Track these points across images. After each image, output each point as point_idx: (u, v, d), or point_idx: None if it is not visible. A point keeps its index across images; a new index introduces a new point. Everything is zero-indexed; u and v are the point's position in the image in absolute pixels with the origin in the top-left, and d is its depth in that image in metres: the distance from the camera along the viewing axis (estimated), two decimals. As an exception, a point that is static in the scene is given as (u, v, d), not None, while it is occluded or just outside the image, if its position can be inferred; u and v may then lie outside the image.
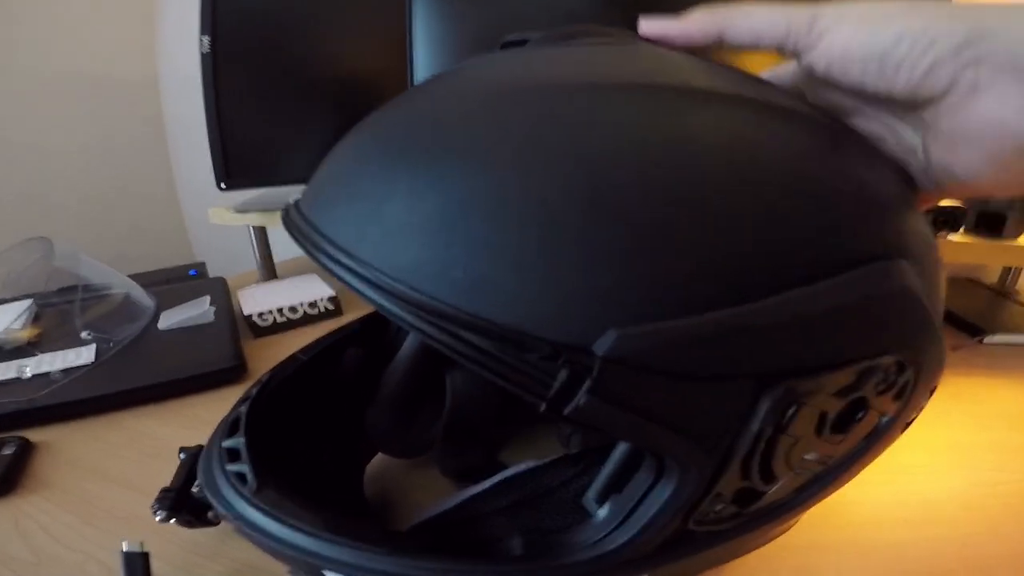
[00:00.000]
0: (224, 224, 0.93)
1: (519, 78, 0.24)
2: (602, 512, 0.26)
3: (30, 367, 0.56)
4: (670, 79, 0.24)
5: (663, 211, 0.20)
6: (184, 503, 0.33)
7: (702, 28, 0.28)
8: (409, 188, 0.22)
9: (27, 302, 0.69)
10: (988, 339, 0.65)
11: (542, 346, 0.19)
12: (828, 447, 0.25)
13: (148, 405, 0.55)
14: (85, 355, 0.58)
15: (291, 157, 0.87)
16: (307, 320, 0.73)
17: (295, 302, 0.72)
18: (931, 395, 0.29)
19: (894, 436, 0.29)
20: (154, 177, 1.79)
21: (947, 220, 0.65)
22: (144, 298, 0.70)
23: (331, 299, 0.75)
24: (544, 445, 0.32)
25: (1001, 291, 0.81)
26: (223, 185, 0.83)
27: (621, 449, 0.25)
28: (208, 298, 0.71)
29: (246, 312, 0.70)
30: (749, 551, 0.31)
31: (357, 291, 0.21)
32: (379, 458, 0.44)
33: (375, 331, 0.43)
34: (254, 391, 0.35)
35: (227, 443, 0.31)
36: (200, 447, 0.33)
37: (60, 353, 0.59)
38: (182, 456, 0.36)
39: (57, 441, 0.49)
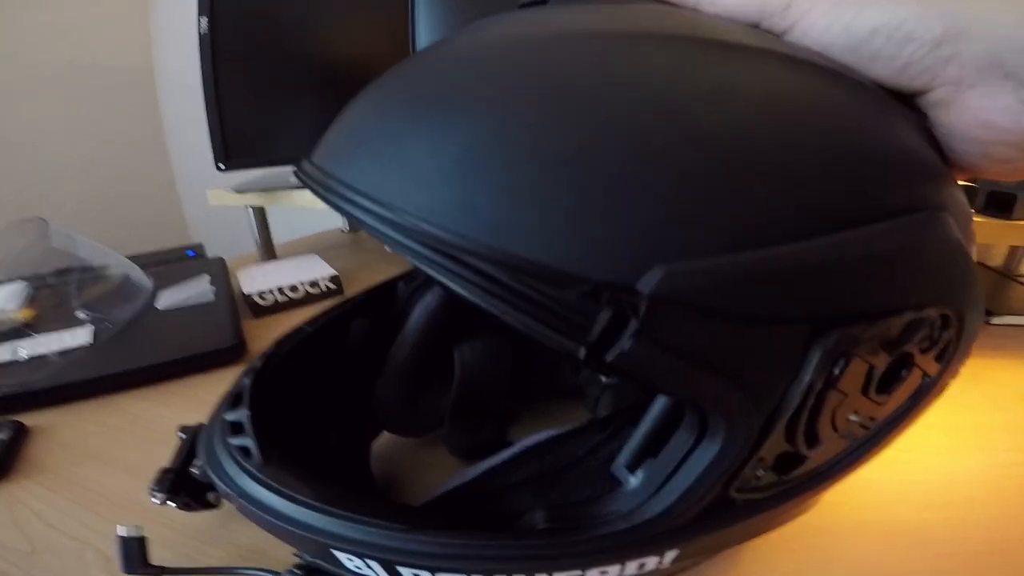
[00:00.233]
0: (223, 206, 0.92)
1: (548, 28, 0.23)
2: (634, 480, 0.24)
3: (25, 349, 0.55)
4: (698, 31, 0.23)
5: (707, 149, 0.19)
6: (183, 484, 0.32)
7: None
8: (433, 131, 0.21)
9: (22, 283, 0.67)
10: (995, 320, 0.66)
11: (582, 284, 0.18)
12: (872, 407, 0.24)
13: (147, 387, 0.53)
14: (82, 336, 0.57)
15: (290, 137, 0.87)
16: (308, 300, 0.72)
17: (295, 281, 0.71)
18: (965, 361, 0.28)
19: (930, 402, 0.28)
20: (152, 162, 1.79)
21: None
22: (142, 278, 0.69)
23: (332, 278, 0.73)
24: (559, 421, 0.30)
25: (1006, 273, 0.83)
26: (222, 166, 0.83)
27: (659, 406, 0.23)
28: (208, 277, 0.69)
29: (246, 291, 0.69)
30: (778, 526, 0.30)
31: (377, 232, 0.20)
32: (386, 437, 0.42)
33: (382, 304, 0.41)
34: (259, 363, 0.33)
35: (230, 416, 0.29)
36: (201, 425, 0.32)
37: (56, 335, 0.57)
38: (181, 436, 0.35)
39: (53, 425, 0.48)
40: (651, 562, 0.25)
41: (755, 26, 0.25)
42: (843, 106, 0.22)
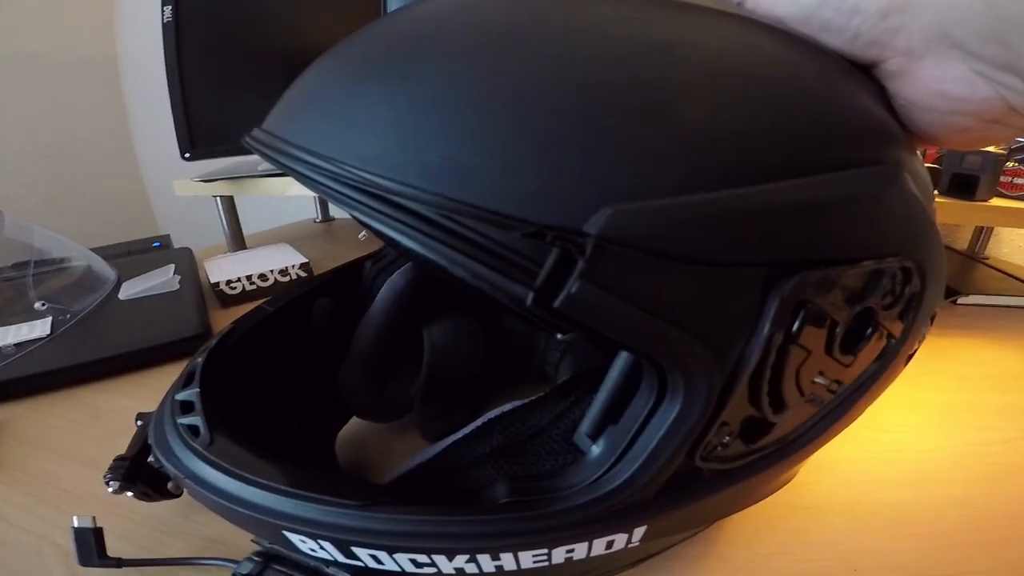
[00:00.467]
0: (189, 196, 0.90)
1: None
2: (596, 448, 0.23)
3: (-21, 342, 0.52)
4: None
5: (653, 92, 0.19)
6: (140, 473, 0.30)
7: None
8: (380, 86, 0.20)
9: (-26, 276, 0.65)
10: (962, 300, 0.69)
11: (526, 226, 0.17)
12: (838, 368, 0.24)
13: (110, 379, 0.52)
14: (39, 328, 0.55)
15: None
16: (278, 288, 0.70)
17: (265, 269, 0.69)
18: (931, 323, 0.28)
19: (898, 368, 0.28)
20: (117, 154, 1.75)
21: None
22: (105, 269, 0.67)
23: (303, 266, 0.72)
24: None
25: (972, 256, 0.87)
26: (187, 155, 0.81)
27: (618, 368, 0.23)
28: (172, 267, 0.68)
29: (213, 280, 0.67)
30: (753, 501, 0.30)
31: (319, 186, 0.20)
32: (354, 423, 0.41)
33: (347, 284, 0.40)
34: (213, 342, 0.32)
35: (180, 395, 0.28)
36: (160, 412, 0.31)
37: (12, 327, 0.56)
38: (139, 424, 0.33)
39: (11, 420, 0.46)
40: (620, 539, 0.24)
41: None
42: (798, 64, 0.22)
